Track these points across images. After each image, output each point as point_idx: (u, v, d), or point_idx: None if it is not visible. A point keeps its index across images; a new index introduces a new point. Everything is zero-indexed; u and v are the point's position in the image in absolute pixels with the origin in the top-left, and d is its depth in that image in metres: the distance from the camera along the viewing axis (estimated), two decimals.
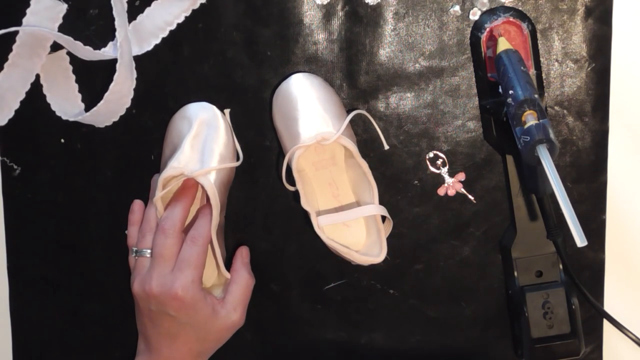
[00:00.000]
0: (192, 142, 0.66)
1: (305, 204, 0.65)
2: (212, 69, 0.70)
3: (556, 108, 0.70)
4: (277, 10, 0.69)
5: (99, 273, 0.73)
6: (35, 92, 0.71)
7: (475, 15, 0.69)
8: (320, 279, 0.73)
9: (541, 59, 0.68)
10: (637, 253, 0.72)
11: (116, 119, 0.71)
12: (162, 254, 0.64)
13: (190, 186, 0.67)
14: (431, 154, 0.71)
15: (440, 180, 0.71)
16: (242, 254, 0.70)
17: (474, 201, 0.71)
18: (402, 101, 0.70)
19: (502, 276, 0.72)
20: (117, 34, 0.68)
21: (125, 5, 0.69)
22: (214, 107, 0.69)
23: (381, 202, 0.67)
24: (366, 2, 0.69)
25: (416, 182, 0.71)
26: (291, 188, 0.68)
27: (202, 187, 0.65)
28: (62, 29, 0.70)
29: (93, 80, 0.71)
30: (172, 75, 0.71)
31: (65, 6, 0.70)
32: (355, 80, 0.70)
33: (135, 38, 0.70)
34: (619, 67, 0.69)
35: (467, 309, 0.73)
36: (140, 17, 0.70)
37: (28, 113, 0.71)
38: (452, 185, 0.71)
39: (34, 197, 0.73)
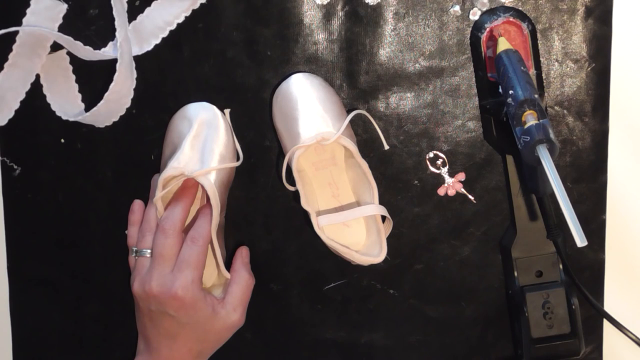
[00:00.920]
0: (192, 142, 0.66)
1: (305, 204, 0.65)
2: (212, 69, 0.70)
3: (556, 108, 0.70)
4: (277, 10, 0.69)
5: (99, 273, 0.73)
6: (35, 92, 0.71)
7: (475, 15, 0.69)
8: (320, 279, 0.73)
9: (541, 59, 0.68)
10: (637, 253, 0.72)
11: (116, 119, 0.71)
12: (162, 254, 0.64)
13: (190, 186, 0.67)
14: (431, 154, 0.71)
15: (440, 180, 0.71)
16: (242, 254, 0.70)
17: (474, 201, 0.71)
18: (402, 101, 0.70)
19: (502, 276, 0.72)
20: (117, 34, 0.68)
21: (125, 5, 0.69)
22: (214, 107, 0.69)
23: (381, 202, 0.67)
24: (366, 2, 0.69)
25: (416, 182, 0.71)
26: (291, 188, 0.68)
27: (202, 187, 0.65)
28: (62, 29, 0.70)
29: (93, 80, 0.71)
30: (172, 75, 0.70)
31: (65, 6, 0.70)
32: (355, 80, 0.70)
33: (135, 38, 0.70)
34: (619, 67, 0.69)
35: (467, 309, 0.73)
36: (140, 17, 0.70)
37: (28, 113, 0.71)
38: (452, 185, 0.71)
39: (34, 197, 0.73)
